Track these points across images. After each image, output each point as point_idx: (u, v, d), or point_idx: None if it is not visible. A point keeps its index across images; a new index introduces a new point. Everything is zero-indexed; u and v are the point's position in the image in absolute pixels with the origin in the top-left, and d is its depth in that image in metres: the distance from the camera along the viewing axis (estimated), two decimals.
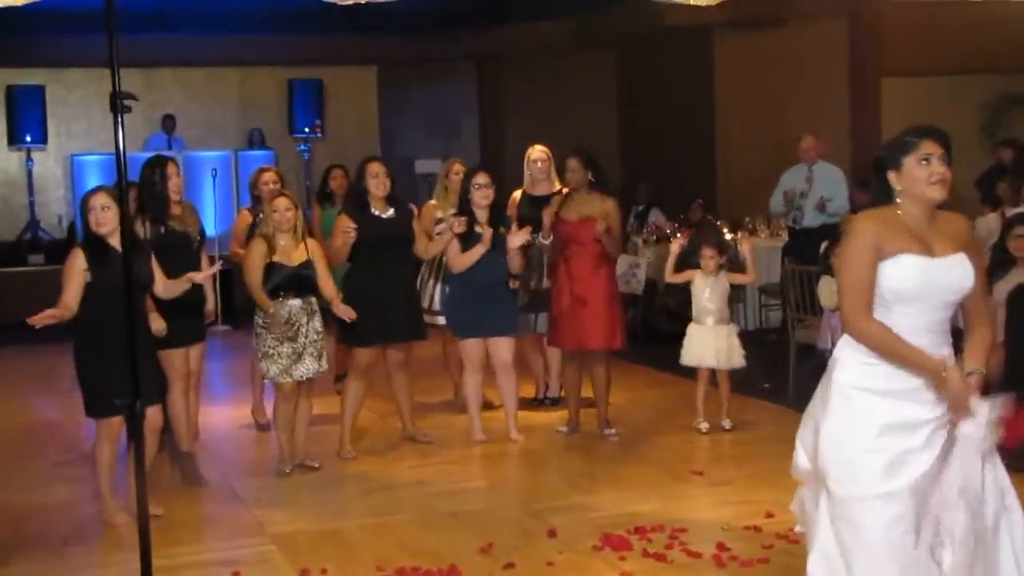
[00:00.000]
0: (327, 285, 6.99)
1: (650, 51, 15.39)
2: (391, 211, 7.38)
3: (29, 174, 15.43)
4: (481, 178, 7.54)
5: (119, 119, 3.34)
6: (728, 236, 11.64)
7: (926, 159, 3.75)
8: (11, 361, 11.58)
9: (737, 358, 7.79)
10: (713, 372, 7.85)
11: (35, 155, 15.51)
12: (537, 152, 8.46)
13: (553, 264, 7.93)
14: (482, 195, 7.50)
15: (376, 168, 7.39)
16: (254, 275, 6.84)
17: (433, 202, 8.45)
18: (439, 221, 8.00)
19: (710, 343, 7.75)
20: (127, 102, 3.35)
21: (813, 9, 12.71)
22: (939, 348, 3.77)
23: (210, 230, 13.61)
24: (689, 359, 7.87)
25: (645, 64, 15.83)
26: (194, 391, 7.01)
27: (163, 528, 5.84)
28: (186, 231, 6.87)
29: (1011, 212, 9.64)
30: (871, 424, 3.74)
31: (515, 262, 7.54)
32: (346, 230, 7.20)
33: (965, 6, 8.24)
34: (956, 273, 3.79)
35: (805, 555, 5.30)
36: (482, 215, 7.53)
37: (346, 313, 6.88)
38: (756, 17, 12.82)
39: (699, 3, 8.43)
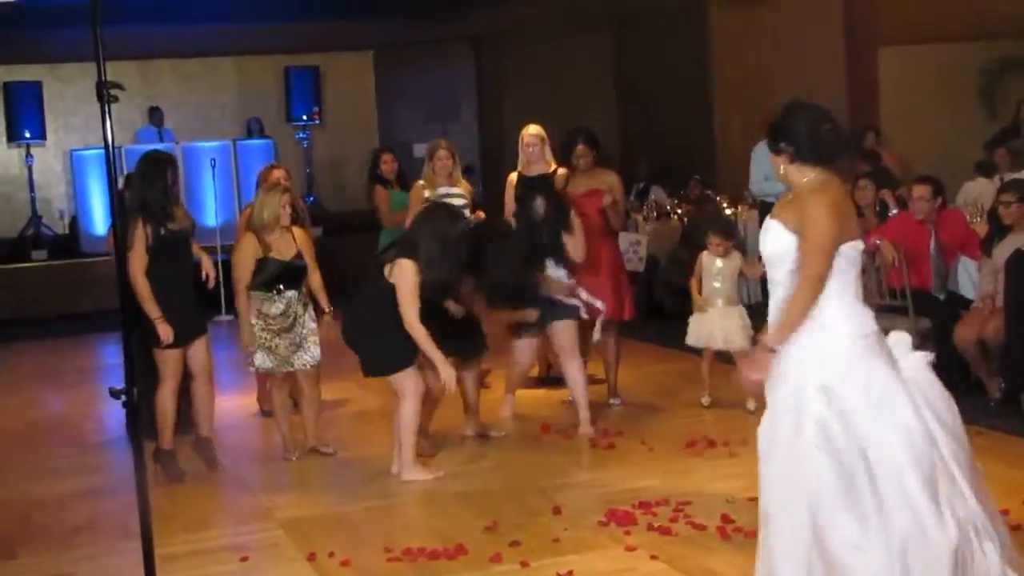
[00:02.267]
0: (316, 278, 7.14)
1: (646, 28, 15.37)
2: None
3: (29, 170, 15.45)
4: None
5: (106, 109, 3.34)
6: (728, 211, 11.67)
7: None
8: (16, 355, 11.63)
9: (743, 339, 7.61)
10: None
11: (35, 151, 15.52)
12: (528, 136, 8.44)
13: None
14: None
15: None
16: (244, 273, 6.90)
17: (421, 182, 8.49)
18: (427, 200, 8.15)
19: (716, 324, 7.67)
20: (114, 91, 3.35)
21: None
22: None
23: (211, 221, 13.72)
24: (694, 340, 7.81)
25: (641, 41, 15.81)
26: (209, 380, 6.97)
27: (171, 515, 5.89)
28: (183, 228, 6.81)
29: (1008, 177, 9.67)
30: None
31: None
32: None
33: None
34: (767, 238, 4.03)
35: None
36: None
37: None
38: None
39: None
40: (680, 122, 14.85)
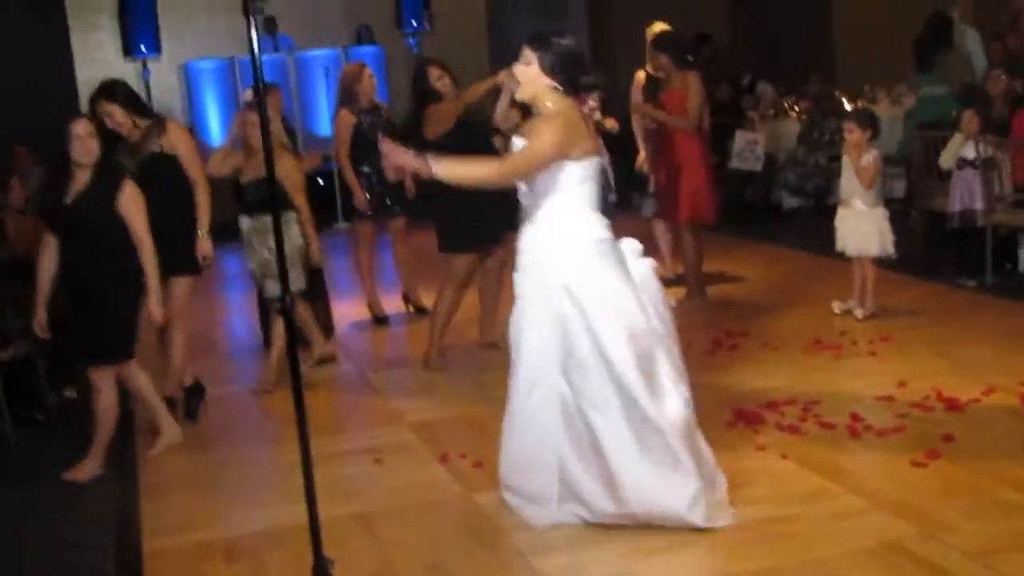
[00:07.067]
0: None
1: None
2: None
3: (146, 84, 15.66)
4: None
5: (252, 23, 3.37)
6: (848, 107, 11.41)
7: None
8: None
9: (880, 246, 7.25)
10: None
11: (151, 65, 15.70)
12: (651, 35, 8.40)
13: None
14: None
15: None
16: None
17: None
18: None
19: (854, 228, 7.28)
20: (260, 3, 3.37)
21: None
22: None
23: (325, 130, 13.83)
24: (840, 244, 7.42)
25: None
26: (178, 327, 6.45)
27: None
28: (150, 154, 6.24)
29: None
30: None
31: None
32: None
33: None
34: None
35: (939, 423, 5.32)
36: None
37: None
38: None
39: None
40: (796, 13, 14.50)
